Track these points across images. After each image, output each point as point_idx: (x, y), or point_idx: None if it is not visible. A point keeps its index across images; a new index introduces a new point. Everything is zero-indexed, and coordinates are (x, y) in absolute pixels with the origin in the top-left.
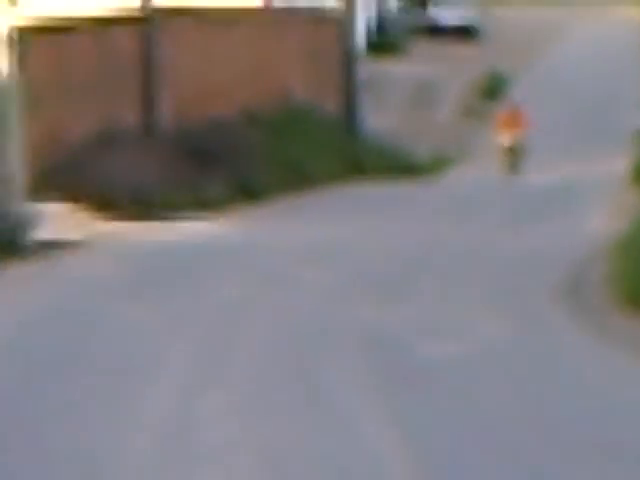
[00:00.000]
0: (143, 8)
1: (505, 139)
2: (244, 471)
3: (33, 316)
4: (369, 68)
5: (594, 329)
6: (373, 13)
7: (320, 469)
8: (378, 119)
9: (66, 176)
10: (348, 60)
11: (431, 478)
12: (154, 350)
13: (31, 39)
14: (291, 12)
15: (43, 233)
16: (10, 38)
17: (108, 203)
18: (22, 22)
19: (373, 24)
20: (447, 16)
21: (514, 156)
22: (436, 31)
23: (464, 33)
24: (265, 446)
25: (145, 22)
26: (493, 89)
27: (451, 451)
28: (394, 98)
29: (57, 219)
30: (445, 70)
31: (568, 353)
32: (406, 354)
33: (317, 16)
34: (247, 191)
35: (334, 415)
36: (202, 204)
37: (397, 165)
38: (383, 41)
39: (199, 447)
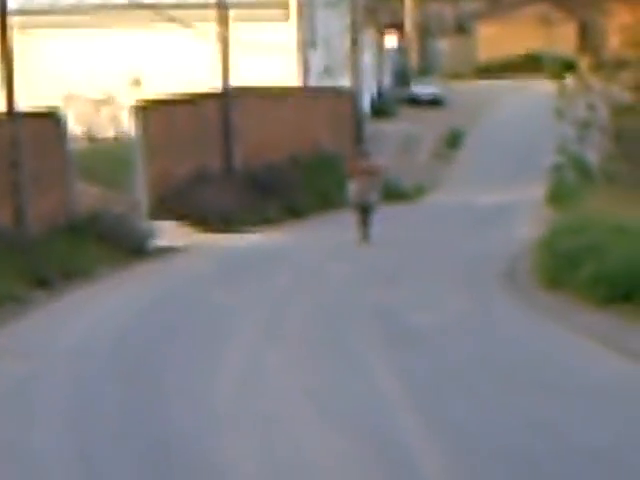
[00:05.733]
0: (223, 88)
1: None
2: None
3: (158, 294)
4: (372, 126)
5: (524, 301)
6: (374, 89)
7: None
8: (378, 161)
9: (174, 202)
10: (358, 121)
11: (405, 382)
12: (233, 318)
13: (149, 110)
14: (320, 89)
15: (160, 242)
16: (135, 109)
17: (202, 221)
18: (143, 98)
19: (374, 96)
20: (422, 90)
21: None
22: (415, 101)
23: (434, 102)
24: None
25: (224, 97)
26: (454, 140)
27: (425, 377)
28: (388, 146)
29: (169, 232)
30: (421, 128)
31: (508, 316)
32: (399, 321)
33: (337, 91)
34: (292, 211)
35: (351, 351)
36: (263, 221)
37: (391, 192)
38: (380, 108)
39: None
